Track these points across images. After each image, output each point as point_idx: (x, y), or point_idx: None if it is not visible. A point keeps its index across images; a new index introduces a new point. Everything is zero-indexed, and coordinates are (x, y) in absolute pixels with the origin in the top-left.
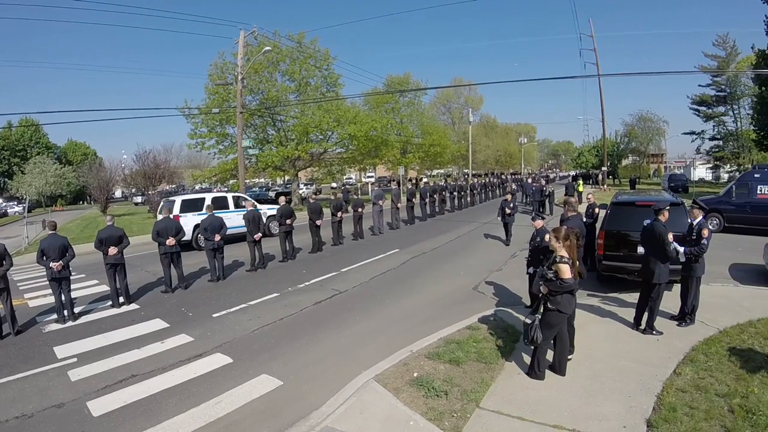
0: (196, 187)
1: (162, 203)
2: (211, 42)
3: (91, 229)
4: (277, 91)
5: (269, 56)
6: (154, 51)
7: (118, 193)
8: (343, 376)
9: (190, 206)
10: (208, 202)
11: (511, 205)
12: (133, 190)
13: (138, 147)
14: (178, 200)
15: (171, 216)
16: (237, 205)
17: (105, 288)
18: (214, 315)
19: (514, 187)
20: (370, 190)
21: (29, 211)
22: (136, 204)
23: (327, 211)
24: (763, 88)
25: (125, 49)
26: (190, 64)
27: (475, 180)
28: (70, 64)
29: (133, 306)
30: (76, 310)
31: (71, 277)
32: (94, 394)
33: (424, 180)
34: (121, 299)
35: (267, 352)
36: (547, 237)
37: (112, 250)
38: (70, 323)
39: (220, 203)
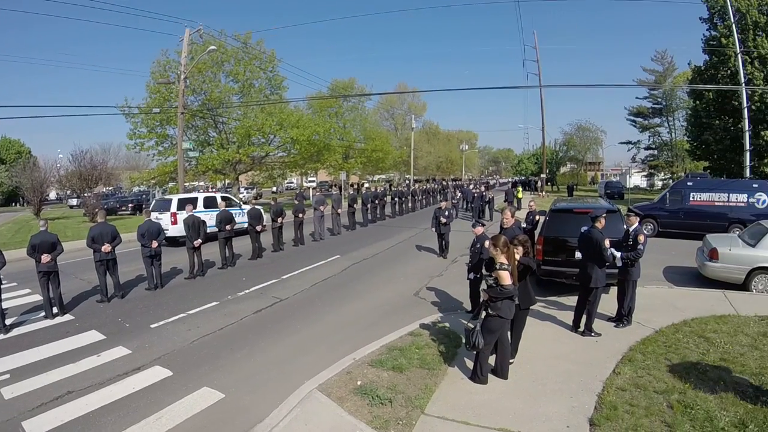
0: (134, 190)
1: (153, 202)
2: (155, 38)
3: (23, 233)
4: (220, 92)
5: (214, 56)
6: (95, 45)
7: (52, 195)
8: (286, 386)
9: (184, 204)
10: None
11: (446, 213)
12: (69, 192)
13: (75, 146)
14: (174, 198)
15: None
16: (230, 204)
17: (38, 297)
18: (152, 325)
19: (457, 194)
20: (311, 195)
21: None
22: (72, 207)
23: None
24: (698, 102)
25: (64, 42)
26: (132, 60)
27: (416, 186)
28: (2, 55)
29: (68, 317)
30: (8, 321)
31: (1, 287)
32: (30, 413)
33: (366, 185)
34: (55, 310)
35: (207, 364)
36: (486, 243)
37: (45, 258)
38: (1, 336)
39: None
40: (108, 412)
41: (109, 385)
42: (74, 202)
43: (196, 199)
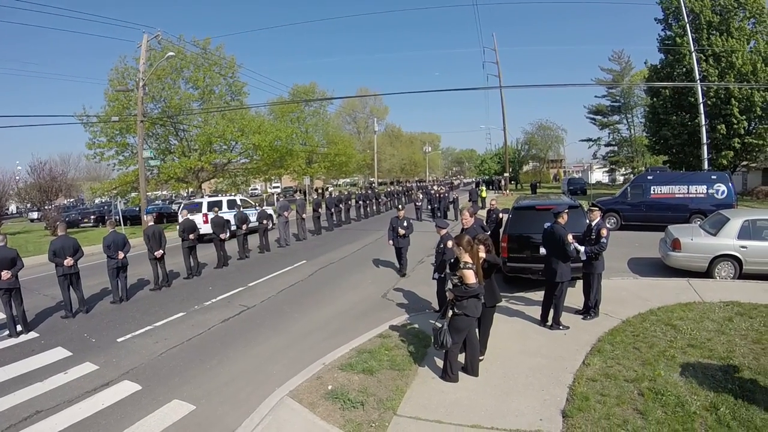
0: (96, 201)
1: (182, 205)
2: (113, 45)
3: None
4: (180, 99)
5: (173, 62)
6: (51, 52)
7: (12, 208)
8: (257, 394)
9: (214, 205)
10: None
11: (405, 224)
12: (29, 205)
13: (33, 157)
14: (204, 201)
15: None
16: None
17: (0, 316)
18: (119, 339)
19: (420, 195)
20: (275, 200)
21: None
22: (32, 220)
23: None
24: (655, 99)
25: (18, 48)
26: (90, 67)
27: (380, 188)
28: None
29: (32, 334)
30: None
31: None
32: None
33: (330, 189)
34: (19, 327)
35: (177, 376)
36: (449, 243)
37: (5, 275)
38: None
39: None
40: (78, 431)
41: (78, 403)
42: (35, 215)
43: (200, 204)
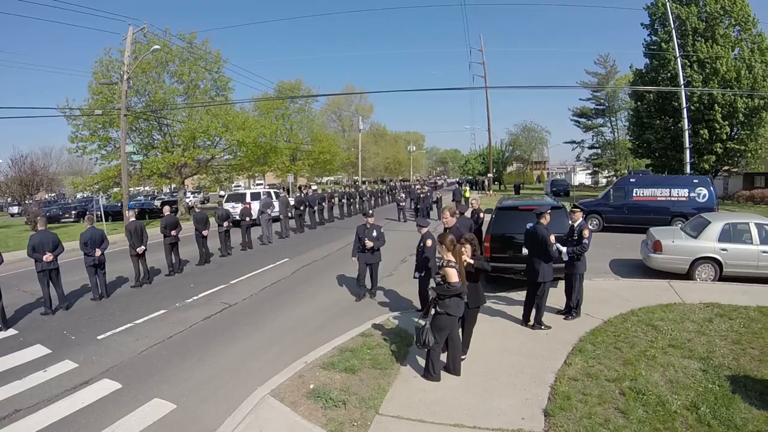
0: (78, 196)
1: (227, 195)
2: (98, 36)
3: None
4: (165, 93)
5: (158, 55)
6: (34, 42)
7: None
8: (238, 393)
9: (255, 197)
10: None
11: (374, 234)
12: (9, 200)
13: (14, 150)
14: (247, 192)
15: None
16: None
17: None
18: (99, 337)
19: (402, 194)
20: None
21: None
22: (13, 215)
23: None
24: (639, 103)
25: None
26: (73, 58)
27: (364, 187)
28: None
29: (11, 331)
30: None
31: None
32: None
33: (313, 188)
34: None
35: (157, 374)
36: (429, 243)
37: None
38: None
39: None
40: (58, 430)
41: (58, 401)
42: (15, 210)
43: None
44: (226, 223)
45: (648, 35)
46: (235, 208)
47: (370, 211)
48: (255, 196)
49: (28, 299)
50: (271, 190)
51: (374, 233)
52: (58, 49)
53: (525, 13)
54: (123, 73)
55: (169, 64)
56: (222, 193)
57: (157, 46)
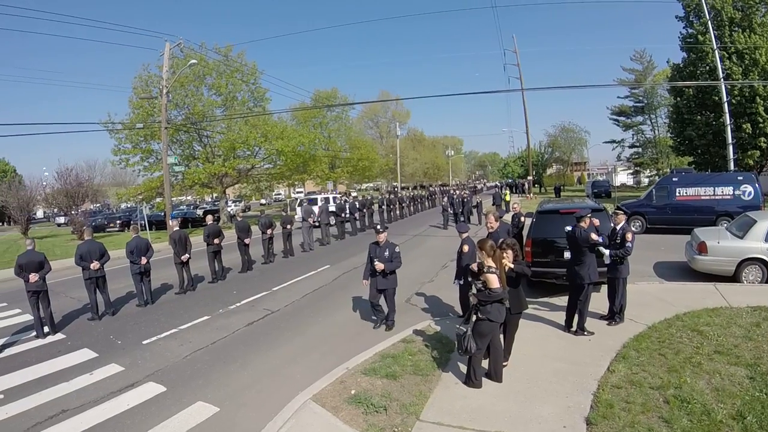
0: (122, 206)
1: (302, 198)
2: (136, 53)
3: (11, 253)
4: (203, 106)
5: (195, 69)
6: (77, 61)
7: (39, 213)
8: (280, 397)
9: (327, 200)
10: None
11: (386, 253)
12: (56, 210)
13: (60, 164)
14: (319, 197)
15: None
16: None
17: (28, 317)
18: (144, 342)
19: (444, 199)
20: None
21: None
22: (59, 225)
23: (255, 229)
24: (679, 99)
25: (45, 57)
26: (114, 75)
27: (404, 193)
28: None
29: (59, 336)
30: None
31: None
32: None
33: (353, 194)
34: (46, 329)
35: (201, 378)
36: (465, 248)
37: (33, 277)
38: None
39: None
40: (102, 430)
41: (103, 403)
42: (61, 220)
43: (315, 198)
44: (269, 231)
45: (683, 28)
46: (331, 203)
47: (381, 227)
48: (327, 200)
49: (76, 305)
50: (337, 196)
51: (386, 253)
52: (99, 68)
53: (556, 11)
54: (162, 87)
55: (206, 78)
56: (263, 201)
57: (194, 61)
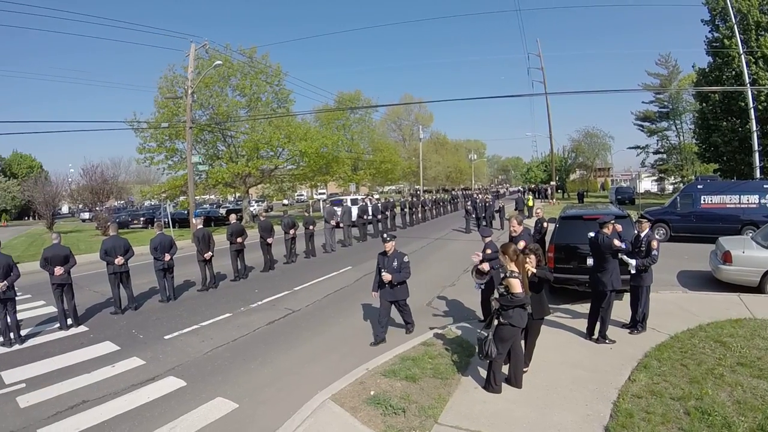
0: (145, 204)
1: (328, 199)
2: (161, 54)
3: (36, 246)
4: (228, 106)
5: (220, 70)
6: (103, 60)
7: (65, 209)
8: (298, 396)
9: (354, 202)
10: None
11: (394, 264)
12: (81, 206)
13: (85, 160)
14: (348, 198)
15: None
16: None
17: (52, 309)
18: (166, 337)
19: (468, 204)
20: (321, 207)
21: None
22: (84, 220)
23: (278, 229)
24: (704, 104)
25: (72, 57)
26: (140, 75)
27: (426, 196)
28: (14, 71)
29: (82, 328)
30: (23, 332)
31: (17, 298)
32: (45, 421)
33: (375, 197)
34: (69, 321)
35: (221, 374)
36: (487, 251)
37: (59, 270)
38: (16, 346)
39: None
40: (122, 422)
41: (124, 395)
42: (86, 215)
43: (342, 200)
44: (291, 231)
45: (709, 32)
46: (358, 204)
47: (388, 236)
48: (354, 201)
49: (99, 299)
50: (363, 197)
51: (395, 263)
52: (124, 68)
53: (581, 14)
54: (187, 87)
55: (231, 78)
56: (285, 201)
57: (219, 62)
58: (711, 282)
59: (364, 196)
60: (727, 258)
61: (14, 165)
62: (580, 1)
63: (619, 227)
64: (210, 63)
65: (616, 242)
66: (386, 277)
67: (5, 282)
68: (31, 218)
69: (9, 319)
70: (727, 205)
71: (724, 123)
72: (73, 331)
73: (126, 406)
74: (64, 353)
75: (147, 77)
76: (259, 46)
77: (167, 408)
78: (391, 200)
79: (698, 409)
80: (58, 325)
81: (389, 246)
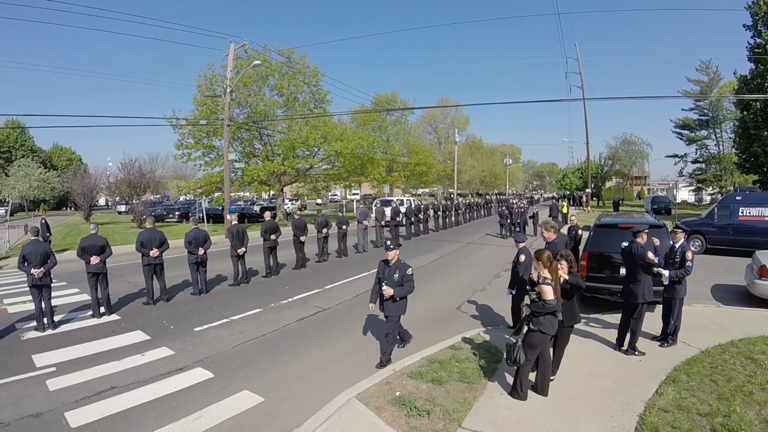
0: (181, 198)
1: (378, 200)
2: (201, 53)
3: (73, 236)
4: (265, 106)
5: (258, 70)
6: (144, 58)
7: (102, 201)
8: (324, 393)
9: (386, 203)
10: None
11: (396, 275)
12: (117, 199)
13: (124, 155)
14: (394, 198)
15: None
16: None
17: (86, 297)
18: (196, 329)
19: (503, 209)
20: (354, 207)
21: (11, 215)
22: (120, 213)
23: (311, 228)
24: (745, 113)
25: (115, 55)
26: (180, 73)
27: (460, 200)
28: (58, 67)
29: (114, 317)
30: (56, 318)
31: (52, 285)
32: (73, 405)
33: (410, 198)
34: (102, 309)
35: (248, 368)
36: (522, 258)
37: (94, 260)
38: (49, 331)
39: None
40: (149, 409)
41: (151, 383)
42: (123, 208)
43: (390, 200)
44: (325, 230)
45: (751, 37)
46: (404, 204)
47: (392, 243)
48: (400, 202)
49: (132, 289)
50: (409, 199)
51: (396, 275)
52: (165, 66)
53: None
54: (226, 86)
55: (269, 78)
56: (319, 201)
57: (257, 62)
58: (746, 297)
59: (402, 198)
60: (763, 273)
61: (54, 157)
62: (618, 4)
63: (656, 241)
64: (248, 63)
65: (650, 255)
66: (387, 291)
67: (42, 269)
68: (68, 209)
69: (44, 305)
70: (766, 218)
71: (766, 132)
72: (105, 319)
73: (153, 394)
74: (95, 340)
75: (187, 76)
76: (298, 46)
77: (194, 398)
78: (423, 203)
79: (725, 427)
80: (91, 312)
81: (392, 255)
